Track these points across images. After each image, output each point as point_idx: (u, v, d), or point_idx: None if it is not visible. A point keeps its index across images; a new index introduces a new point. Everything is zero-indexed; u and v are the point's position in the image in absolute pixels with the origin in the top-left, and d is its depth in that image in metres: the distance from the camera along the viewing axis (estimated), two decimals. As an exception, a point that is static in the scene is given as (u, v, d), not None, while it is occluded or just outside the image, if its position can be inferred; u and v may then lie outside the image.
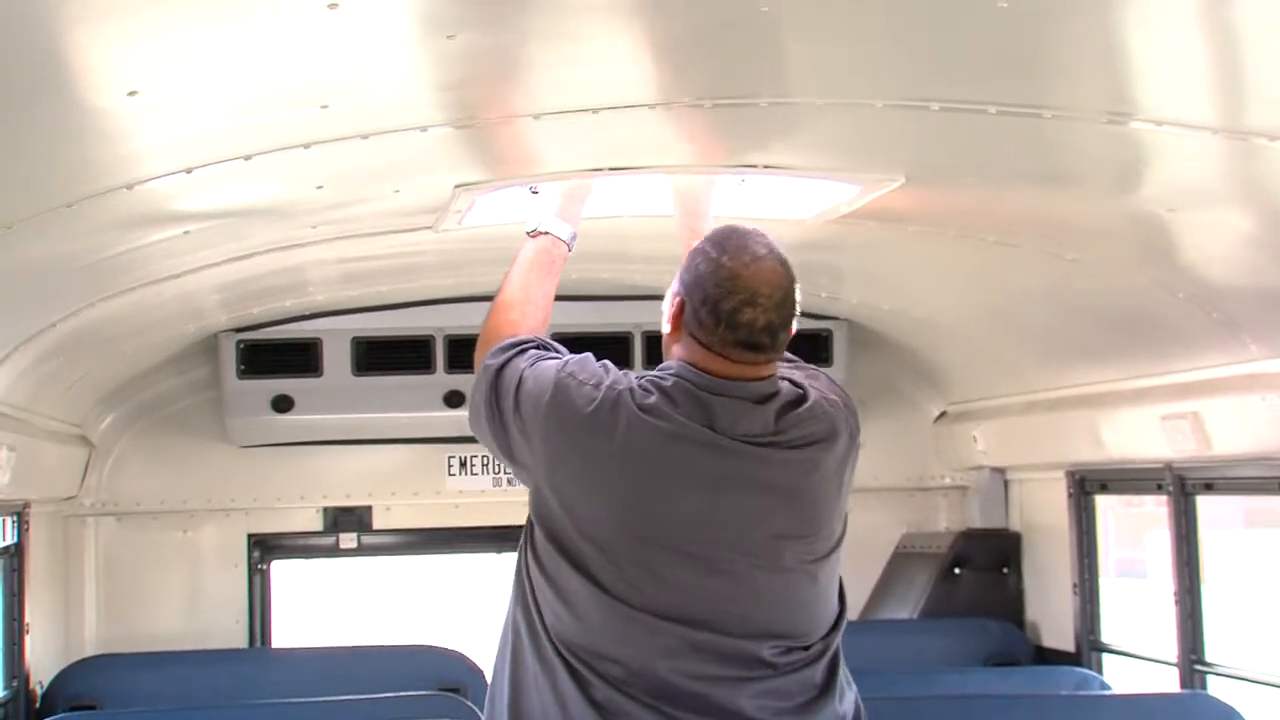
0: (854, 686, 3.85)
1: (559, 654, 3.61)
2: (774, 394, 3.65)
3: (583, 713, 3.59)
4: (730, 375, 3.61)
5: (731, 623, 3.57)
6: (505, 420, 3.74)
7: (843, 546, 3.77)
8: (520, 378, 3.72)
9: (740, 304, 3.55)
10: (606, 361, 3.74)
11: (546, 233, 4.14)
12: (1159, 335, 5.54)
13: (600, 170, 4.31)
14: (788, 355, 3.96)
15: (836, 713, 3.70)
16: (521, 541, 3.72)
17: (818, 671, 3.68)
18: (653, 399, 3.60)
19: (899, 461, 8.41)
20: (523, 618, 3.71)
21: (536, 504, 3.69)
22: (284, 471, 8.10)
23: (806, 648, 3.66)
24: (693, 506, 3.57)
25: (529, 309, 4.03)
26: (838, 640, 3.75)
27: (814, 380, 3.83)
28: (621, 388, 3.62)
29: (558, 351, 3.85)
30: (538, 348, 3.83)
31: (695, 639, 3.55)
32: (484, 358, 3.85)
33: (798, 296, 3.63)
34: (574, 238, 4.19)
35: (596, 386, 3.62)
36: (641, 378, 3.66)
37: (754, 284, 3.56)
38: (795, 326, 3.68)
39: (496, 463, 7.88)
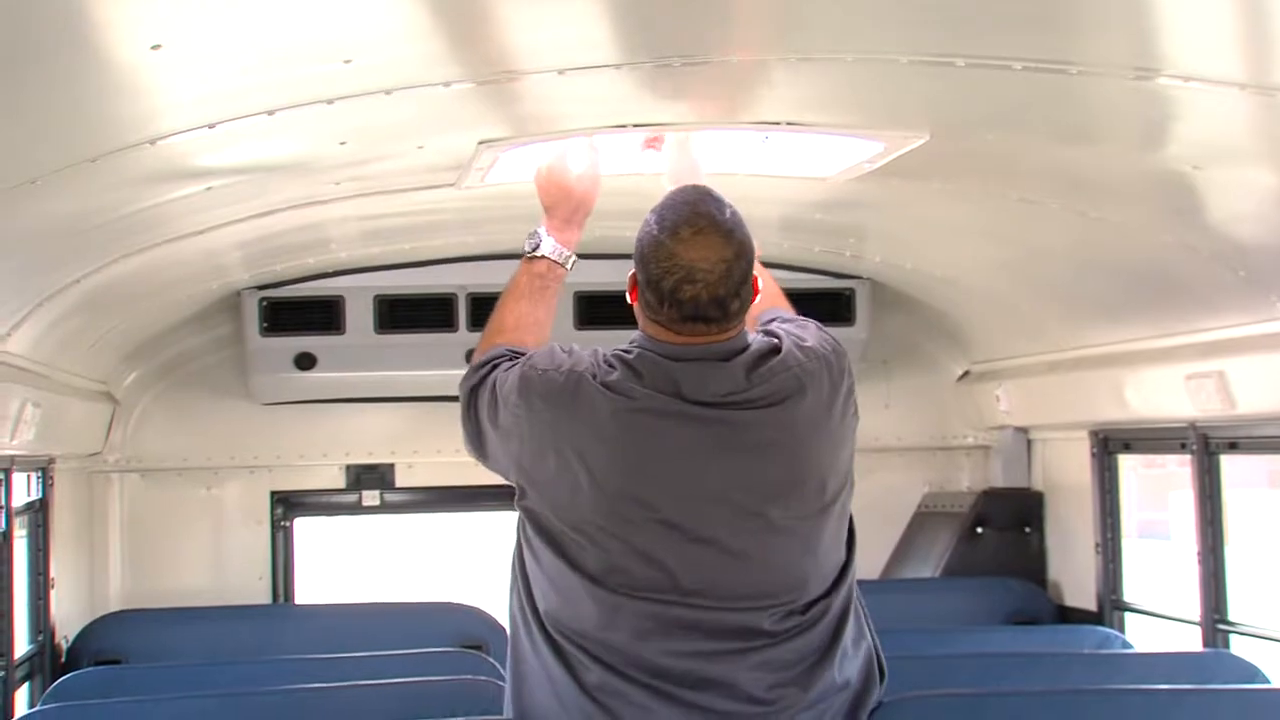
0: (868, 640, 3.80)
1: (551, 639, 3.61)
2: (742, 349, 3.62)
3: (576, 699, 3.58)
4: (690, 344, 3.60)
5: (723, 592, 3.54)
6: (483, 434, 3.78)
7: (845, 499, 3.72)
8: (493, 389, 3.75)
9: (679, 282, 3.53)
10: (573, 345, 3.74)
11: (544, 257, 4.13)
12: (1183, 294, 5.52)
13: (624, 127, 4.30)
14: (789, 317, 3.94)
15: (834, 682, 3.65)
16: (516, 535, 3.74)
17: (817, 636, 3.64)
18: (616, 375, 3.59)
19: (921, 421, 8.41)
20: (517, 608, 3.72)
21: (521, 499, 3.70)
22: (307, 429, 8.12)
23: (804, 611, 3.61)
24: (669, 477, 3.55)
25: (520, 334, 4.01)
26: (841, 597, 3.70)
27: (801, 330, 3.80)
28: (583, 368, 3.62)
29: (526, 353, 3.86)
30: (510, 358, 3.83)
31: (687, 615, 3.53)
32: (461, 380, 3.90)
33: (753, 258, 3.61)
34: (571, 261, 4.17)
35: (558, 371, 3.63)
36: (607, 354, 3.66)
37: (691, 259, 3.53)
38: (759, 283, 3.68)
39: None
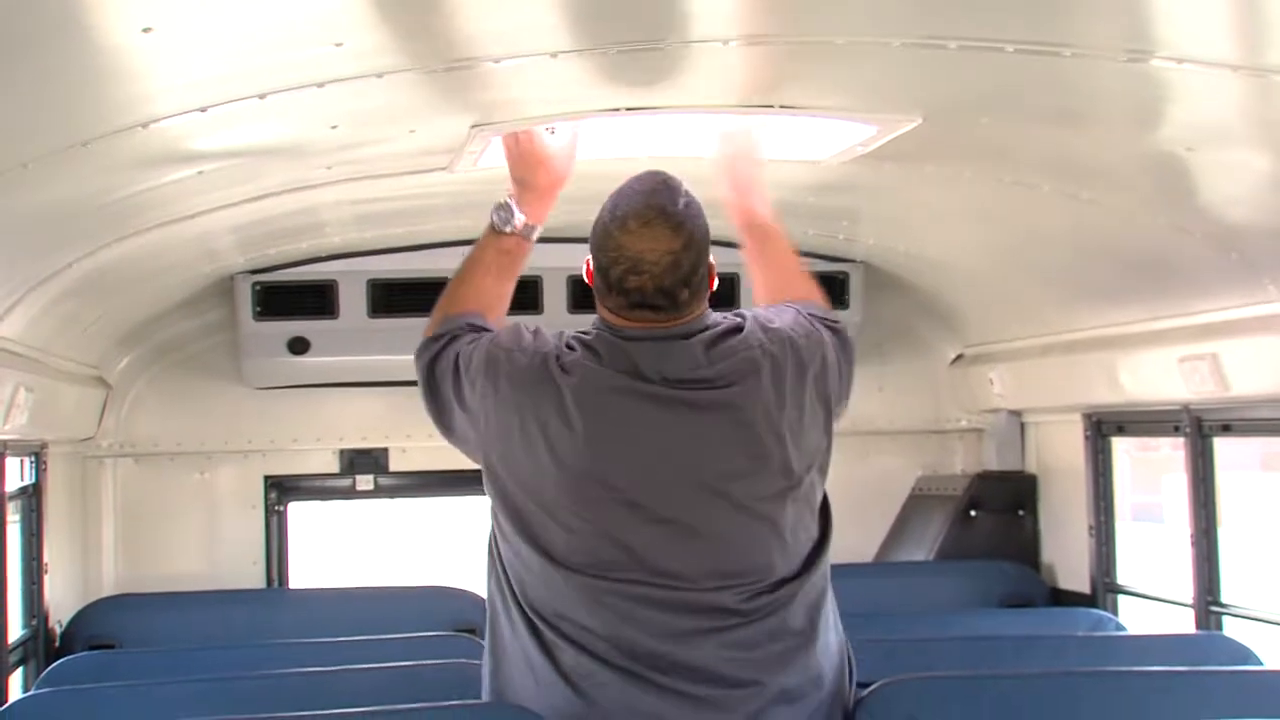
0: (840, 634, 3.78)
1: (529, 620, 3.61)
2: (702, 329, 3.63)
3: (551, 681, 3.59)
4: (653, 326, 3.61)
5: (689, 571, 3.54)
6: (448, 412, 3.80)
7: (812, 482, 3.70)
8: (456, 367, 3.76)
9: (625, 272, 3.57)
10: (538, 326, 3.76)
11: (515, 233, 4.10)
12: (1177, 276, 5.52)
13: (617, 110, 4.29)
14: (787, 308, 3.90)
15: (813, 672, 3.63)
16: (490, 517, 3.75)
17: (791, 618, 3.61)
18: (575, 355, 3.61)
19: (915, 404, 8.41)
20: (495, 589, 3.73)
21: (489, 481, 3.71)
22: (300, 413, 8.11)
23: (773, 591, 3.60)
24: (630, 458, 3.56)
25: (481, 308, 3.99)
26: (815, 581, 3.68)
27: (777, 314, 3.79)
28: (547, 350, 3.64)
29: (488, 329, 3.86)
30: (470, 332, 3.83)
31: (653, 594, 3.53)
32: (416, 352, 3.90)
33: (706, 248, 3.63)
34: (536, 234, 4.15)
35: (524, 352, 3.65)
36: (568, 336, 3.68)
37: (636, 251, 3.56)
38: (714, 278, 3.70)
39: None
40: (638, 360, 3.58)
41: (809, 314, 3.88)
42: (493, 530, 3.74)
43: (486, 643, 3.82)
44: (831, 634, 3.73)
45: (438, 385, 3.82)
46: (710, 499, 3.56)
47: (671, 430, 3.56)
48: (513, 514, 3.63)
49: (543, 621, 3.60)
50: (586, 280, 3.74)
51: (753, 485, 3.60)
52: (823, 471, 3.75)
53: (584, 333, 3.68)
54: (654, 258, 3.56)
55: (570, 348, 3.64)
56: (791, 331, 3.74)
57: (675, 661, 3.53)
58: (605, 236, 3.61)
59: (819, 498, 3.75)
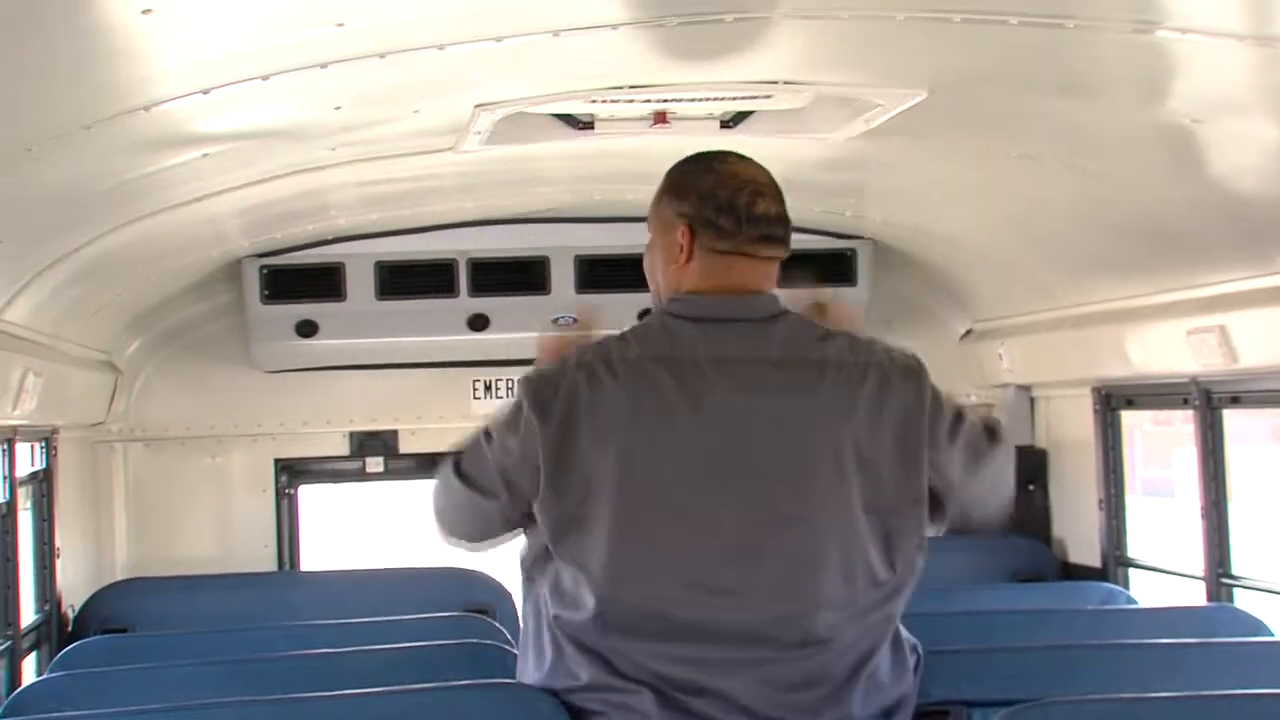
0: (903, 684, 3.61)
1: (555, 638, 3.50)
2: (777, 313, 3.54)
3: (573, 696, 3.48)
4: (746, 286, 3.51)
5: (732, 604, 3.40)
6: (494, 508, 3.63)
7: (886, 523, 3.55)
8: (482, 453, 3.59)
9: (753, 195, 3.48)
10: (569, 353, 3.53)
11: None
12: (1185, 249, 5.50)
13: (620, 88, 4.28)
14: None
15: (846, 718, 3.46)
16: (527, 535, 3.62)
17: (835, 663, 3.46)
18: (612, 375, 3.44)
19: (925, 380, 8.37)
20: (529, 605, 3.61)
21: (539, 512, 3.53)
22: (310, 396, 8.11)
23: (822, 630, 3.44)
24: (676, 481, 3.41)
25: None
26: (872, 623, 3.52)
27: (870, 344, 3.60)
28: (580, 378, 3.44)
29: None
30: (486, 433, 3.62)
31: (692, 623, 3.39)
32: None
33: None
34: None
35: (550, 392, 3.45)
36: (606, 346, 3.50)
37: (750, 175, 3.52)
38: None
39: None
40: (697, 349, 3.44)
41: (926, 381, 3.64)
42: (529, 547, 3.60)
43: (520, 643, 3.73)
44: (883, 682, 3.56)
45: (477, 493, 3.67)
46: (763, 528, 3.41)
47: (725, 452, 3.41)
48: (552, 530, 3.47)
49: (568, 639, 3.48)
50: (683, 257, 3.53)
51: (816, 519, 3.45)
52: (908, 514, 3.61)
53: (643, 327, 3.53)
54: (765, 180, 3.52)
55: (607, 366, 3.44)
56: (889, 359, 3.56)
57: (705, 688, 3.40)
58: (716, 175, 3.51)
59: (901, 540, 3.62)
